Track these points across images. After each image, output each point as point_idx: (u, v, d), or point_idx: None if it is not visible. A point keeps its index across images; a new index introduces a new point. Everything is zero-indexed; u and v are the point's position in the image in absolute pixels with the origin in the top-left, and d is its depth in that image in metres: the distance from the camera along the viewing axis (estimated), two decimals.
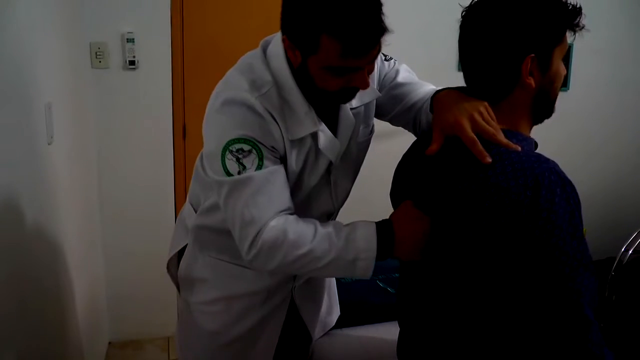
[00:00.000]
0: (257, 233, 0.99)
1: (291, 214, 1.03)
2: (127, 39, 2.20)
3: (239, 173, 1.00)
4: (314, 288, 1.34)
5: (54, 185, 1.55)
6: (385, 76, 1.21)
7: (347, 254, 0.98)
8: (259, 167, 1.00)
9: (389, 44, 0.96)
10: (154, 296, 2.42)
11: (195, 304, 1.25)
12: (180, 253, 1.30)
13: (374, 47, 0.95)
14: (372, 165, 1.35)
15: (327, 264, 0.99)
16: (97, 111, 2.25)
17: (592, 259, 0.84)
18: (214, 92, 1.07)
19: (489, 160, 0.86)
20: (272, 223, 0.99)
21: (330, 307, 1.44)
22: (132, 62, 2.22)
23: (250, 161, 1.00)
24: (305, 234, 0.99)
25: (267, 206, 1.00)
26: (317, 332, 1.40)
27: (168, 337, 2.51)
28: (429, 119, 1.11)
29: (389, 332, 1.24)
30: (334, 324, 1.47)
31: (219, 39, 2.33)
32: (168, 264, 1.34)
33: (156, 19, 2.25)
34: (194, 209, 1.25)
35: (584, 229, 0.86)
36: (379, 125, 1.26)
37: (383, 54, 1.22)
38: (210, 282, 1.23)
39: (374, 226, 1.00)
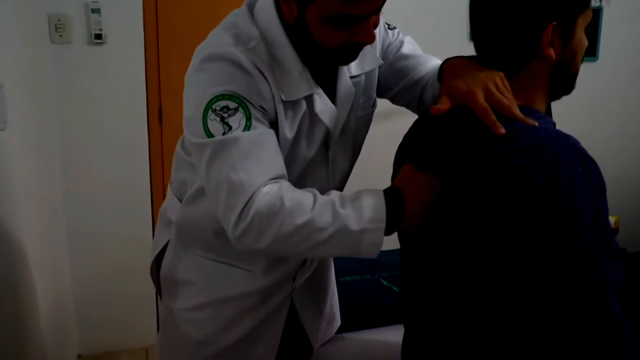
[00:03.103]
0: (248, 201, 0.95)
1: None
2: (92, 9, 2.18)
3: (223, 135, 0.97)
4: (316, 290, 1.33)
5: (9, 176, 1.54)
6: (388, 46, 1.20)
7: (353, 224, 0.94)
8: (247, 127, 0.98)
9: None
10: (130, 301, 2.41)
11: (179, 310, 1.24)
12: (162, 253, 1.29)
13: None
14: (370, 148, 1.34)
15: (329, 238, 0.95)
16: (58, 93, 2.23)
17: (619, 246, 0.83)
18: (194, 54, 1.06)
19: (503, 131, 0.86)
20: (265, 189, 0.96)
21: (332, 316, 1.44)
22: (98, 36, 2.20)
23: (237, 121, 0.97)
24: (303, 201, 0.96)
25: (258, 171, 0.97)
26: (317, 342, 1.38)
27: (147, 348, 2.50)
28: (435, 94, 1.10)
29: (396, 335, 1.24)
30: (333, 334, 1.46)
31: (198, 7, 2.31)
32: (152, 267, 1.33)
33: None
34: (178, 200, 1.24)
35: (617, 217, 0.85)
36: (378, 105, 1.25)
37: (386, 22, 1.21)
38: (196, 285, 1.22)
39: (381, 194, 0.98)
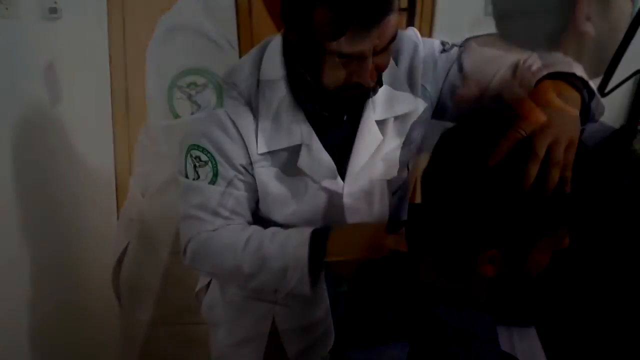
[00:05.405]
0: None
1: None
2: None
3: (192, 114, 1.02)
4: (301, 304, 1.31)
5: None
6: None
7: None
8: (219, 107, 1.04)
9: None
10: (93, 317, 2.29)
11: (142, 322, 1.27)
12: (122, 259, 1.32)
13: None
14: None
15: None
16: (5, 77, 2.15)
17: None
18: (157, 24, 1.16)
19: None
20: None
21: (325, 333, 1.41)
22: (52, 10, 2.18)
23: (206, 99, 1.01)
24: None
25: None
26: None
27: None
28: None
29: (399, 354, 1.22)
30: (327, 353, 1.41)
31: None
32: (113, 273, 1.37)
33: None
34: (142, 196, 1.28)
35: None
36: None
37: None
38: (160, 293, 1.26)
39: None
